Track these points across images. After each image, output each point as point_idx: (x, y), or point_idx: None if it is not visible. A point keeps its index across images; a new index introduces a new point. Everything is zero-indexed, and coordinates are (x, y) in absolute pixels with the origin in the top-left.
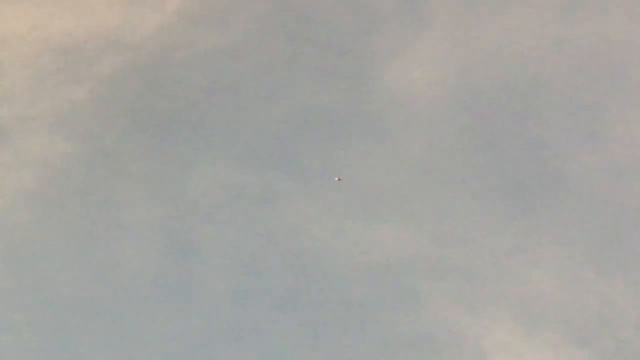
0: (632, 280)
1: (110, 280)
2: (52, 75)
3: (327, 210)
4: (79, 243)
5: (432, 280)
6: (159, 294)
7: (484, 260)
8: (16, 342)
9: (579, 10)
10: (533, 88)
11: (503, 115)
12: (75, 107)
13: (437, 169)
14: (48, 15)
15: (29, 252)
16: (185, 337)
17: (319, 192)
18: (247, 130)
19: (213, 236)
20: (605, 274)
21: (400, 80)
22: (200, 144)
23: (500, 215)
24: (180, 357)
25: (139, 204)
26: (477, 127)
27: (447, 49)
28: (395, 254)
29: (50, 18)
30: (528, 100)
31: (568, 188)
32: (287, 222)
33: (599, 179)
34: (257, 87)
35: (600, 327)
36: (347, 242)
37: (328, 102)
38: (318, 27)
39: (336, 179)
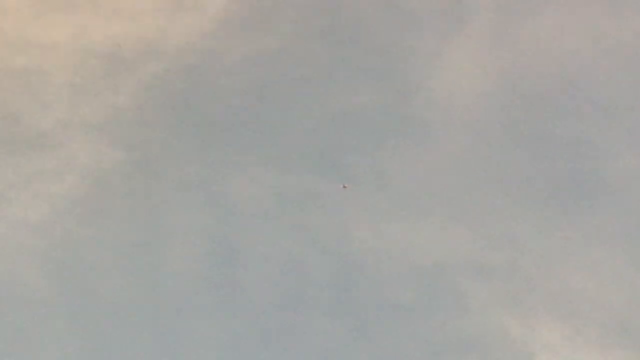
0: None
1: (156, 286)
2: (96, 81)
3: (371, 212)
4: (125, 249)
5: (478, 282)
6: (204, 300)
7: (529, 261)
8: (61, 350)
9: (623, 7)
10: (576, 88)
11: (546, 116)
12: (118, 113)
13: (481, 170)
14: (90, 22)
15: (75, 259)
16: (231, 342)
17: (363, 194)
18: (290, 134)
19: (258, 241)
20: None
21: (441, 80)
22: (244, 148)
23: (544, 216)
24: None
25: (184, 209)
26: (520, 127)
27: (488, 49)
28: (440, 256)
29: (93, 25)
30: (571, 100)
31: (612, 189)
32: (331, 225)
33: None
34: (300, 90)
35: None
36: (393, 244)
37: (370, 104)
38: (360, 30)
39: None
